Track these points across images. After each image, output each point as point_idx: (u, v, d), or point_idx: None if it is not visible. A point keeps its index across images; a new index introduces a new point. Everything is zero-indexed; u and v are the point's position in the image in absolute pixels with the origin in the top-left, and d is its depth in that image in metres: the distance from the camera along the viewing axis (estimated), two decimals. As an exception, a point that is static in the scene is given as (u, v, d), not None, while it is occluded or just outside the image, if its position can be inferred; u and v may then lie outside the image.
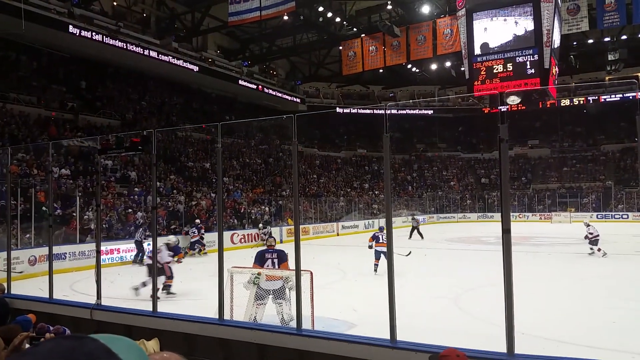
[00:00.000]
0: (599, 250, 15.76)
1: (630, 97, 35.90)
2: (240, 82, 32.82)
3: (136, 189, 21.44)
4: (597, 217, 36.09)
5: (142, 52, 25.93)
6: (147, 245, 14.54)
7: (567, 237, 24.06)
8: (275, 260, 7.41)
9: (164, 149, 26.71)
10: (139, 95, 30.14)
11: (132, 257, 16.39)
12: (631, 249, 17.70)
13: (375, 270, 12.63)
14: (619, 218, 34.66)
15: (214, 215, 21.65)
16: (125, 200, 20.34)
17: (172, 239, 11.24)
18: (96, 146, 6.54)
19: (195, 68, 29.41)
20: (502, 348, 3.65)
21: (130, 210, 19.66)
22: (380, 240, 12.76)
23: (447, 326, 7.68)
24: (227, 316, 6.71)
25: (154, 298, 5.71)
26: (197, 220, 19.35)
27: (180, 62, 28.28)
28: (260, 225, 22.69)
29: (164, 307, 6.06)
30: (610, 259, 15.15)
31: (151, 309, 5.68)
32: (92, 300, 6.23)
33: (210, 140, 29.60)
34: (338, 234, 27.96)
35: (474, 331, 7.11)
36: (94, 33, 23.57)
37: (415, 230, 24.20)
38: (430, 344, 4.00)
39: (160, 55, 26.90)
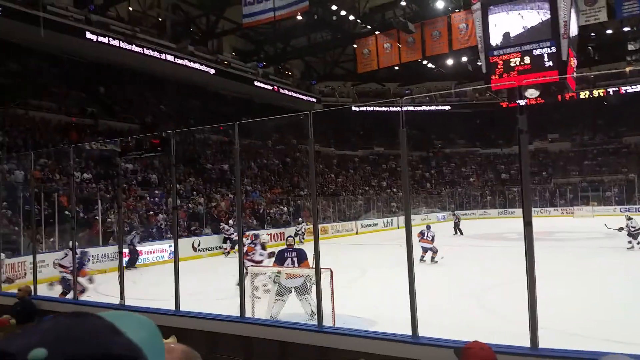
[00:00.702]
0: (638, 243, 15.25)
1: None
2: (256, 83, 33.00)
3: (156, 192, 21.71)
4: (620, 211, 35.31)
5: (158, 56, 26.26)
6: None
7: (590, 231, 23.61)
8: (295, 259, 7.56)
9: (182, 151, 26.98)
10: (157, 100, 30.51)
11: (156, 259, 16.63)
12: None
13: (421, 260, 13.38)
14: (644, 211, 33.86)
15: (234, 216, 21.81)
16: (146, 202, 20.61)
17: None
18: (117, 149, 6.65)
19: (212, 71, 29.65)
20: (525, 344, 3.61)
21: (151, 212, 19.92)
22: (425, 237, 13.91)
23: (470, 322, 7.60)
24: (248, 314, 6.78)
25: (177, 296, 5.77)
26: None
27: (196, 65, 28.56)
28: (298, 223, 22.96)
29: (186, 306, 6.12)
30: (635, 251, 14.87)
31: (174, 308, 5.74)
32: (116, 300, 6.33)
33: (228, 142, 29.83)
34: (357, 233, 27.92)
35: (497, 328, 7.02)
36: (110, 39, 23.96)
37: (456, 227, 24.56)
38: (453, 339, 3.97)
39: (176, 59, 27.20)
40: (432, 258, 14.00)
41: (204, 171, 26.83)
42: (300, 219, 23.32)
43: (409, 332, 4.12)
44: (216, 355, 5.02)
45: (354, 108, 40.06)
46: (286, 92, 35.71)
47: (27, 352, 0.44)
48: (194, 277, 10.42)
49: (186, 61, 27.88)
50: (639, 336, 5.75)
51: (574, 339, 6.17)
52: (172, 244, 7.63)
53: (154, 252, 17.03)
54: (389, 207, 34.15)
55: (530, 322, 3.53)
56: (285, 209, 25.77)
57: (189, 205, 21.77)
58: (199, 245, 18.52)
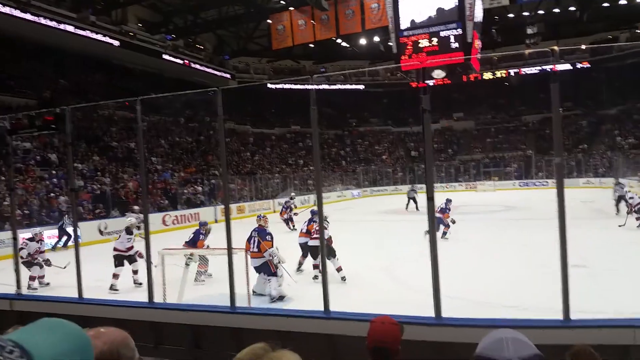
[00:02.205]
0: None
1: (548, 70, 38.11)
2: (165, 56, 31.49)
3: (54, 172, 20.19)
4: (519, 185, 38.46)
5: (57, 27, 24.16)
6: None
7: (491, 204, 25.44)
8: (256, 239, 7.82)
9: (84, 128, 25.24)
10: (56, 73, 28.10)
11: (54, 244, 15.53)
12: (551, 214, 18.96)
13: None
14: (540, 185, 37.08)
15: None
16: (46, 184, 19.12)
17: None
18: (6, 126, 6.03)
19: (116, 42, 27.82)
20: (432, 313, 3.80)
21: (52, 194, 18.52)
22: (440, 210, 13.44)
23: (381, 295, 7.93)
24: (177, 298, 6.56)
25: (79, 283, 5.42)
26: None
27: (99, 37, 26.66)
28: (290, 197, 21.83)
29: (91, 294, 5.78)
30: (532, 223, 16.16)
31: (77, 296, 5.40)
32: (12, 290, 5.86)
33: (135, 119, 28.23)
34: (274, 211, 27.91)
35: (406, 298, 7.39)
36: (0, 5, 21.62)
37: (412, 201, 23.75)
38: (364, 312, 4.09)
39: (77, 30, 25.21)
40: (444, 233, 13.47)
41: (110, 149, 25.32)
42: (293, 193, 22.98)
43: (322, 308, 4.18)
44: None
45: (269, 85, 39.61)
46: (198, 67, 34.42)
47: None
48: (101, 263, 9.86)
49: (88, 32, 25.89)
50: (538, 302, 6.29)
51: (479, 307, 6.64)
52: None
53: (56, 236, 15.90)
54: (306, 185, 34.46)
55: (434, 293, 3.72)
56: (200, 188, 25.09)
57: (94, 186, 20.50)
58: (105, 228, 17.54)
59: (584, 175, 36.25)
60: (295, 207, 21.06)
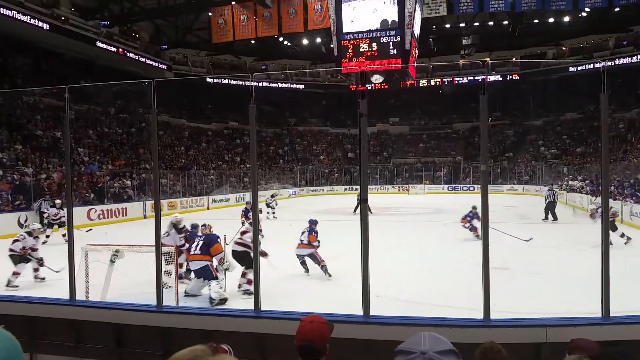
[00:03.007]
0: (621, 236, 12.03)
1: (479, 80, 40.05)
2: (98, 43, 29.98)
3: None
4: (448, 189, 40.14)
5: (-25, 4, 22.32)
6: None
7: (421, 206, 26.34)
8: (201, 243, 7.70)
9: (6, 114, 23.54)
10: (-26, 54, 25.99)
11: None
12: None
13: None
14: (467, 189, 38.91)
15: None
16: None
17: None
18: None
19: (46, 26, 26.13)
20: (360, 311, 3.88)
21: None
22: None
23: (312, 293, 8.00)
24: (81, 296, 6.23)
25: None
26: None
27: (26, 19, 24.89)
28: (271, 195, 21.83)
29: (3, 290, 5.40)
30: (458, 225, 16.86)
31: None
32: None
33: (62, 107, 26.70)
34: (208, 208, 27.37)
35: (336, 296, 7.50)
36: None
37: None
38: (294, 310, 4.10)
39: (2, 9, 23.39)
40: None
41: (33, 138, 23.76)
42: (276, 191, 22.36)
43: (252, 307, 4.15)
44: (42, 342, 4.55)
45: (208, 79, 38.80)
46: (132, 55, 33.02)
47: None
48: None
49: (14, 12, 24.10)
50: (464, 301, 6.58)
51: (407, 306, 6.86)
52: None
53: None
54: (242, 183, 34.06)
55: (363, 292, 3.80)
56: (129, 182, 24.10)
57: (14, 176, 19.17)
58: (25, 221, 16.45)
59: (509, 182, 38.46)
60: (275, 205, 21.18)
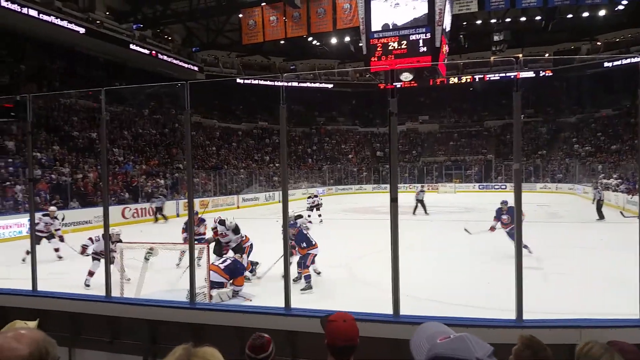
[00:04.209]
0: None
1: (511, 77, 39.19)
2: (132, 46, 30.72)
3: (10, 160, 19.43)
4: (479, 188, 39.48)
5: (19, 11, 23.16)
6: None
7: (451, 205, 26.01)
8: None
9: (45, 116, 24.37)
10: (15, 58, 26.96)
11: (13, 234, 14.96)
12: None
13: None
14: (498, 188, 38.17)
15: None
16: (2, 172, 18.42)
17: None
18: (-41, 111, 5.78)
19: (82, 30, 26.94)
20: (390, 310, 3.88)
21: (8, 183, 17.85)
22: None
23: (341, 292, 8.01)
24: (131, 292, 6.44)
25: (34, 275, 5.25)
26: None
27: (64, 23, 25.72)
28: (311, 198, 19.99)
29: (46, 286, 5.61)
30: (488, 225, 16.56)
31: (31, 288, 5.23)
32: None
33: (97, 109, 27.51)
34: (238, 207, 27.71)
35: (365, 295, 7.49)
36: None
37: (420, 204, 21.21)
38: (323, 309, 4.13)
39: (41, 15, 24.23)
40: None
41: (70, 139, 24.53)
42: (320, 190, 21.42)
43: (283, 305, 4.20)
44: (81, 337, 4.70)
45: (238, 80, 39.26)
46: (165, 58, 33.71)
47: None
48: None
49: (52, 18, 24.92)
50: (491, 302, 6.49)
51: (435, 306, 6.80)
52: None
53: (10, 226, 15.33)
54: (271, 182, 34.35)
55: (393, 291, 3.80)
56: (162, 182, 24.63)
57: (52, 175, 19.84)
58: (63, 219, 16.99)
59: (542, 181, 37.54)
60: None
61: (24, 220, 15.36)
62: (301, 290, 8.05)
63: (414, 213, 20.69)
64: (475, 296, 7.34)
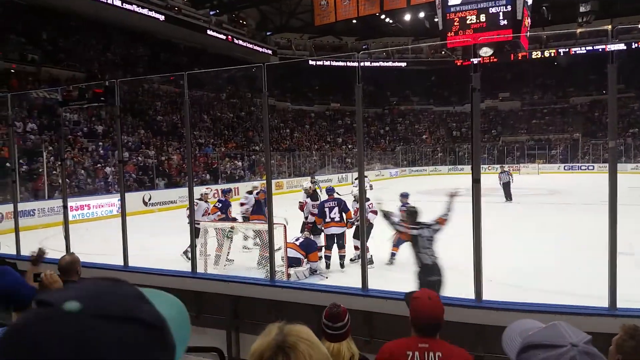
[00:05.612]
0: None
1: (600, 50, 36.20)
2: (209, 32, 31.72)
3: (101, 144, 20.92)
4: (564, 169, 37.19)
5: (105, 1, 24.66)
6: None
7: (533, 187, 24.72)
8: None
9: (130, 102, 25.92)
10: (103, 47, 28.87)
11: (105, 213, 16.18)
12: (597, 199, 18.29)
13: None
14: (585, 169, 35.72)
15: (185, 170, 21.40)
16: (93, 155, 19.88)
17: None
18: (58, 98, 6.24)
19: (161, 17, 28.20)
20: (471, 295, 3.77)
21: (98, 165, 19.25)
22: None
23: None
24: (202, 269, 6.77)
25: (125, 252, 5.65)
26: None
27: (145, 11, 27.07)
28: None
29: (135, 262, 6.01)
30: (576, 208, 15.66)
31: (122, 264, 5.63)
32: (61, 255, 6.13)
33: (179, 93, 28.83)
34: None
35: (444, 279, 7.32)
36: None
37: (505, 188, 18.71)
38: (401, 291, 4.09)
39: (124, 4, 25.66)
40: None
41: (154, 123, 25.95)
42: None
43: (360, 286, 4.22)
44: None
45: (310, 61, 39.40)
46: (240, 42, 34.52)
47: (63, 303, 0.50)
48: (145, 233, 10.23)
49: (134, 6, 26.32)
50: (571, 287, 6.14)
51: (519, 292, 6.52)
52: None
53: (102, 206, 16.57)
54: (344, 163, 34.41)
55: (475, 276, 3.68)
56: (240, 163, 25.48)
57: (139, 158, 21.14)
58: (149, 199, 18.12)
59: (633, 161, 34.65)
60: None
61: (114, 200, 16.56)
62: (351, 259, 8.32)
63: (509, 199, 18.44)
64: (563, 282, 6.96)
